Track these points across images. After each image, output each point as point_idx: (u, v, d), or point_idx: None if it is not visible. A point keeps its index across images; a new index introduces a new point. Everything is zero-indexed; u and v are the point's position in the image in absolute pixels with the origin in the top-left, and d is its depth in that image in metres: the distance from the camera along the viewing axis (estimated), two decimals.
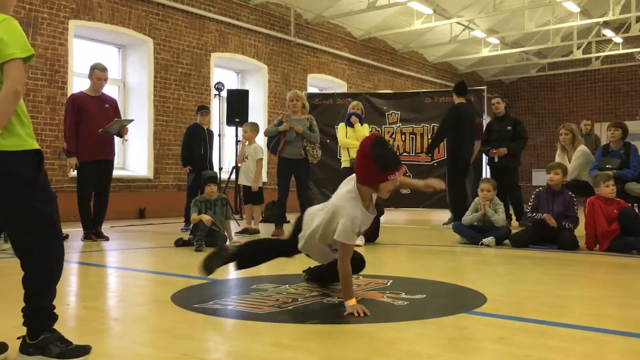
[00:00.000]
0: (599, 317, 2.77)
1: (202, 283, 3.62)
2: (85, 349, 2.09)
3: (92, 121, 6.30)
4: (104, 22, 10.06)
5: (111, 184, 6.71)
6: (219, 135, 10.88)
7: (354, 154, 8.21)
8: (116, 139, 6.67)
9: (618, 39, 17.76)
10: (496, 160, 8.17)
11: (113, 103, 6.70)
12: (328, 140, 10.06)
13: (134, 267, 4.70)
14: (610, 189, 5.44)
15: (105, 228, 6.86)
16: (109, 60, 10.54)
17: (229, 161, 11.13)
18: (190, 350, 2.22)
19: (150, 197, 10.55)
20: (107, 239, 6.43)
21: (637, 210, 6.88)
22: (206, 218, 5.76)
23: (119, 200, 9.22)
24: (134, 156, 10.80)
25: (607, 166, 6.55)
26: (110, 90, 9.63)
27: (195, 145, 8.00)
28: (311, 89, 14.05)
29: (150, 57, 10.71)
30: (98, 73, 6.41)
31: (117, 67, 10.91)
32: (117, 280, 4.10)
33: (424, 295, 3.22)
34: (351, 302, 2.78)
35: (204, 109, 8.33)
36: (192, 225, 5.97)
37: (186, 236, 5.92)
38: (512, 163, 8.31)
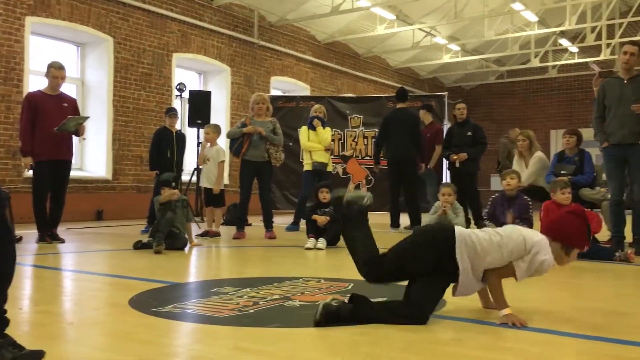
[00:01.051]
0: (554, 320, 2.83)
1: (161, 287, 3.57)
2: (38, 354, 2.03)
3: (50, 120, 6.14)
4: (62, 19, 9.83)
5: (68, 185, 6.56)
6: None
7: (316, 157, 8.26)
8: (74, 139, 6.52)
9: (574, 49, 18.29)
10: (457, 165, 8.30)
11: (72, 102, 6.55)
12: (291, 143, 10.05)
13: (90, 270, 4.59)
14: (565, 196, 5.60)
15: (61, 230, 6.70)
16: (67, 58, 10.31)
17: (190, 163, 11.01)
18: (148, 355, 2.18)
19: (108, 199, 10.35)
20: (62, 241, 6.27)
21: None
22: (173, 193, 5.76)
23: (76, 202, 9.02)
24: (92, 157, 10.58)
25: (562, 172, 6.71)
26: (68, 89, 9.42)
27: (162, 149, 7.88)
28: (274, 92, 14.02)
29: (110, 56, 10.52)
30: (54, 72, 6.25)
31: (76, 65, 10.68)
32: (73, 284, 4.00)
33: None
34: (508, 311, 2.65)
35: (173, 111, 8.22)
36: (151, 228, 5.89)
37: (145, 238, 5.83)
38: (472, 168, 8.47)
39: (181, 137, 8.20)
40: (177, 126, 8.35)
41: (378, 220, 11.05)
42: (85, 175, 10.25)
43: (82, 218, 9.56)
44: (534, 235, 2.75)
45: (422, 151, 8.40)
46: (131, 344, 2.35)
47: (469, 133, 8.37)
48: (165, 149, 7.90)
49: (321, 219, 6.12)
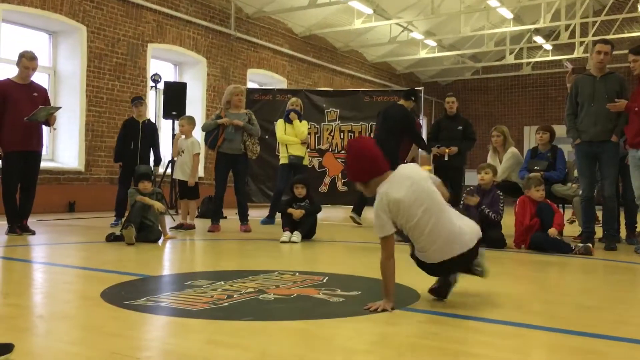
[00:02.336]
0: (526, 313, 2.87)
1: (134, 279, 3.53)
2: (7, 347, 1.99)
3: (19, 110, 6.01)
4: (34, 7, 9.63)
5: (39, 176, 6.44)
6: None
7: (292, 151, 8.24)
8: (44, 129, 6.41)
9: (548, 46, 18.52)
10: (446, 158, 8.25)
11: (42, 92, 6.41)
12: (267, 136, 10.01)
13: (62, 262, 4.52)
14: (540, 194, 5.71)
15: (32, 222, 6.59)
16: (39, 46, 10.11)
17: (165, 155, 10.90)
18: (120, 348, 2.16)
19: (80, 191, 10.20)
20: (33, 233, 6.16)
21: (562, 210, 7.19)
22: (157, 204, 5.68)
23: (48, 193, 8.87)
24: (64, 148, 10.40)
25: (535, 168, 6.81)
26: (39, 78, 9.25)
27: (127, 141, 7.76)
28: (251, 84, 13.94)
29: (84, 45, 10.34)
30: (26, 62, 6.11)
31: (48, 54, 10.48)
32: (44, 276, 3.94)
33: (360, 292, 3.26)
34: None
35: (138, 100, 8.04)
36: (124, 219, 5.83)
37: (118, 231, 5.76)
38: (459, 163, 8.43)
39: (150, 127, 7.97)
40: (151, 115, 8.20)
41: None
42: (57, 167, 10.08)
43: (54, 210, 9.41)
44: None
45: (423, 145, 8.42)
46: (103, 337, 2.32)
47: (460, 127, 8.30)
48: (130, 141, 7.75)
49: (296, 213, 6.12)
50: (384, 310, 2.75)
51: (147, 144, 7.86)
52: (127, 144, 7.74)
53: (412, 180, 2.89)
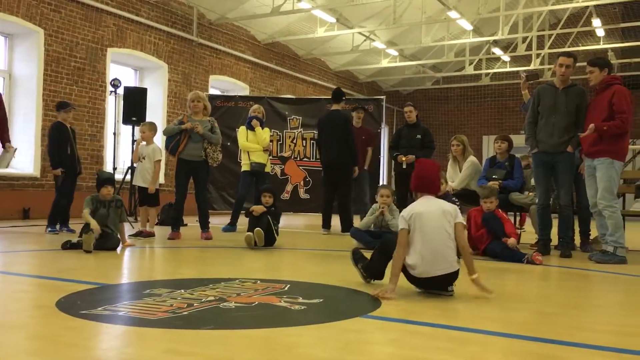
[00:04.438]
0: (484, 320, 2.92)
1: (91, 288, 3.45)
2: None
3: None
4: None
5: None
6: (114, 134, 10.48)
7: (254, 158, 8.21)
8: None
9: (506, 58, 18.97)
10: (404, 166, 8.33)
11: None
12: (229, 143, 9.96)
13: (15, 270, 4.39)
14: (487, 206, 5.83)
15: None
16: None
17: (124, 161, 10.72)
18: (77, 359, 2.10)
19: (35, 197, 9.93)
20: None
21: (517, 218, 7.35)
22: (95, 225, 5.49)
23: (1, 200, 8.63)
24: (19, 153, 10.06)
25: (493, 176, 6.95)
26: None
27: (63, 145, 7.57)
28: (213, 91, 13.86)
29: (41, 49, 10.11)
30: None
31: (3, 57, 10.21)
32: None
33: (321, 300, 3.25)
34: (476, 276, 3.44)
35: (68, 106, 7.82)
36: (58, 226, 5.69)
37: (75, 238, 5.63)
38: None
39: (74, 133, 7.84)
40: (111, 121, 8.07)
41: (314, 221, 11.13)
42: (11, 172, 9.79)
43: (7, 217, 9.14)
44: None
45: (354, 154, 8.43)
46: (58, 347, 2.25)
47: (418, 136, 8.39)
48: (65, 145, 7.59)
49: (257, 208, 6.13)
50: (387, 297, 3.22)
51: (76, 149, 7.74)
52: (64, 149, 7.57)
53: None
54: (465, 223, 3.57)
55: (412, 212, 3.42)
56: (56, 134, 7.59)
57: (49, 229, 7.41)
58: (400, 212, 3.57)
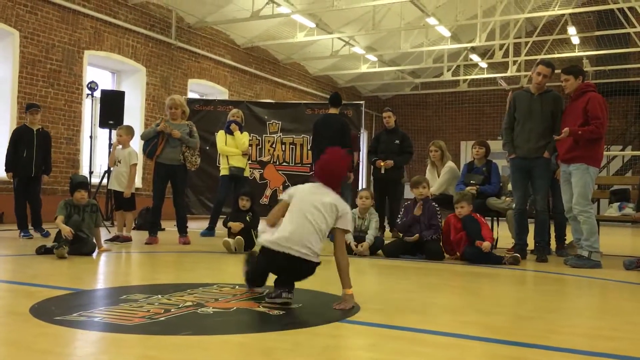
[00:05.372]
0: (462, 324, 2.93)
1: (66, 294, 3.40)
2: None
3: None
4: None
5: None
6: (90, 137, 10.36)
7: (233, 162, 8.17)
8: None
9: (483, 64, 19.19)
10: (382, 171, 8.35)
11: None
12: (207, 147, 9.90)
13: None
14: (458, 211, 5.92)
15: None
16: None
17: (101, 165, 10.59)
18: None
19: (8, 201, 9.70)
20: None
21: (495, 223, 7.42)
22: (66, 230, 5.41)
23: None
24: None
25: (471, 182, 7.01)
26: None
27: (20, 149, 7.44)
28: (191, 94, 13.78)
29: (16, 51, 9.96)
30: None
31: None
32: None
33: (300, 305, 3.24)
34: (351, 291, 3.17)
35: (34, 107, 7.67)
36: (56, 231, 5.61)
37: (49, 243, 5.54)
38: (397, 176, 8.54)
39: (43, 135, 7.69)
40: (87, 124, 7.97)
41: None
42: None
43: None
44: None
45: (350, 159, 8.40)
46: (32, 354, 2.21)
47: (397, 141, 8.41)
48: (22, 149, 7.45)
49: (235, 225, 6.11)
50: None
51: (41, 153, 7.59)
52: (19, 153, 7.45)
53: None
54: (349, 228, 3.25)
55: (297, 190, 3.31)
56: (14, 137, 7.55)
57: (22, 233, 7.29)
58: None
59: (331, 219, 3.18)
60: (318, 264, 3.20)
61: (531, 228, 6.22)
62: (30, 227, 7.46)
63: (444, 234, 6.09)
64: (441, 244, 6.08)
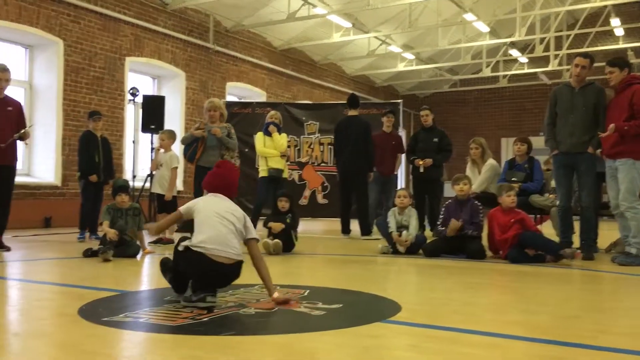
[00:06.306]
0: (505, 324, 2.89)
1: (112, 295, 3.48)
2: None
3: None
4: (10, 20, 9.53)
5: (14, 191, 6.33)
6: (133, 142, 10.58)
7: (272, 164, 8.22)
8: (19, 143, 6.31)
9: (523, 59, 18.82)
10: (421, 170, 8.28)
11: (17, 106, 6.31)
12: (246, 149, 10.00)
13: (38, 279, 4.44)
14: (511, 199, 5.77)
15: (7, 237, 6.47)
16: (15, 60, 10.01)
17: (143, 169, 10.81)
18: None
19: (57, 205, 10.05)
20: (8, 249, 6.05)
21: (538, 220, 7.28)
22: (111, 232, 5.54)
23: (23, 209, 8.73)
24: (40, 162, 10.26)
25: (512, 179, 6.89)
26: (15, 92, 9.14)
27: (91, 153, 7.65)
28: (230, 98, 13.93)
29: (60, 59, 10.25)
30: None
31: (24, 68, 10.36)
32: (19, 293, 3.86)
33: (341, 305, 3.25)
34: (277, 295, 3.21)
35: (96, 114, 7.93)
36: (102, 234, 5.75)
37: (95, 246, 5.68)
38: (436, 174, 8.46)
39: (106, 142, 7.95)
40: (129, 129, 8.14)
41: (332, 226, 11.13)
42: (33, 181, 9.94)
43: (30, 225, 9.25)
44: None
45: (371, 161, 8.40)
46: (80, 355, 2.28)
47: (435, 139, 8.33)
48: (93, 153, 7.67)
49: (275, 225, 6.14)
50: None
51: (105, 159, 7.81)
52: (92, 157, 7.65)
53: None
54: (256, 236, 3.42)
55: (196, 204, 3.44)
56: (84, 141, 7.77)
57: (78, 235, 7.54)
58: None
59: (240, 223, 3.35)
60: (242, 262, 3.32)
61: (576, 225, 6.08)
62: (87, 231, 7.65)
63: (488, 231, 5.96)
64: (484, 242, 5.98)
